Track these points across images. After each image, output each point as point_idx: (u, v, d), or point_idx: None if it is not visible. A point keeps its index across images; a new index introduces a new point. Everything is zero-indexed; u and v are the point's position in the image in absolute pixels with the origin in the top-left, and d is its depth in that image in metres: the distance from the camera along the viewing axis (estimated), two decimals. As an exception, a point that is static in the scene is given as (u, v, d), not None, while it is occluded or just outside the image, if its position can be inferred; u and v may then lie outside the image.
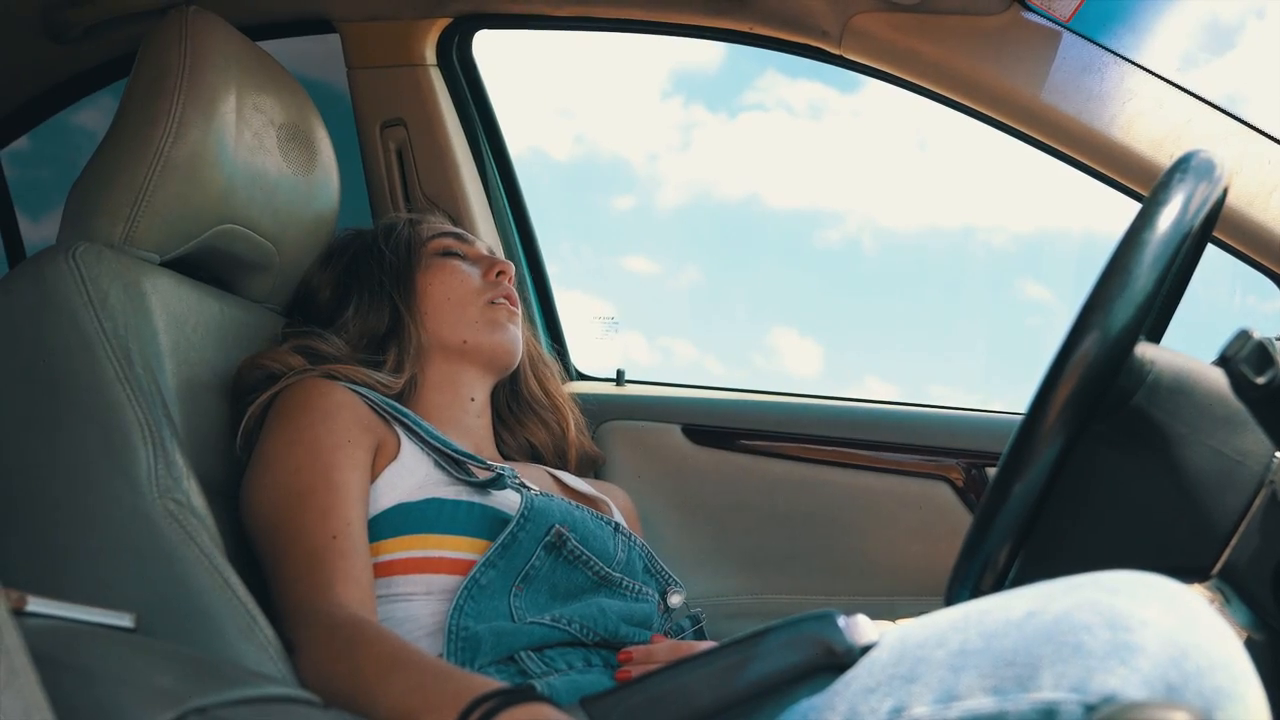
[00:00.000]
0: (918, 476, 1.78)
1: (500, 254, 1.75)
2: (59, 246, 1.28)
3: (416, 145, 1.90)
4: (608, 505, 1.58)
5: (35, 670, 0.64)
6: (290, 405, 1.37)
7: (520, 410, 1.70)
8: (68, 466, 1.17)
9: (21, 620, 0.78)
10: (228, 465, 1.39)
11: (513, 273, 1.62)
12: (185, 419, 1.34)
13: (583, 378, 2.06)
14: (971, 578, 0.94)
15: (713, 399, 1.94)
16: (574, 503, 1.44)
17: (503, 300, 1.58)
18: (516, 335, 1.59)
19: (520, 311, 1.62)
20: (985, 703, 0.80)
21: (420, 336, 1.54)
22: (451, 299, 1.56)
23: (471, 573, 1.28)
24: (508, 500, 1.37)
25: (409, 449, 1.40)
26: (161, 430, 1.19)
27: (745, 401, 1.93)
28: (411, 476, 1.37)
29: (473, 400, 1.57)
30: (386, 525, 1.33)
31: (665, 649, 1.32)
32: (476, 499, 1.36)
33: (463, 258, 1.62)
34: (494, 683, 1.06)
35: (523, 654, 1.25)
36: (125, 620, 0.91)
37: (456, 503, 1.35)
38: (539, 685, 1.19)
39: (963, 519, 1.73)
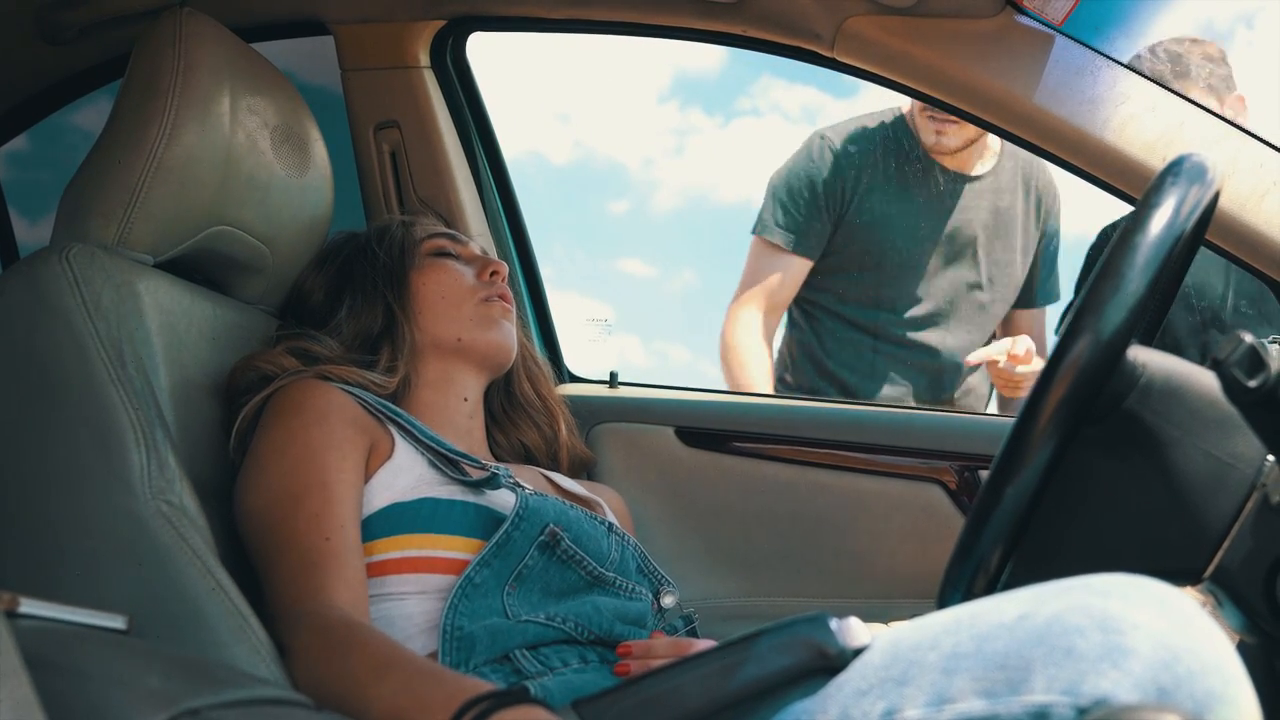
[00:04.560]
0: (911, 479, 1.78)
1: (494, 255, 1.75)
2: (52, 248, 1.28)
3: (410, 147, 1.90)
4: (601, 506, 1.58)
5: (27, 672, 0.64)
6: (283, 407, 1.37)
7: (513, 411, 1.70)
8: (60, 468, 1.17)
9: (13, 621, 0.78)
10: (221, 467, 1.39)
11: (506, 272, 1.62)
12: (178, 421, 1.34)
13: (576, 380, 2.06)
14: (964, 580, 0.94)
15: (706, 401, 1.94)
16: (568, 503, 1.44)
17: (497, 298, 1.58)
18: (511, 332, 1.60)
19: (514, 310, 1.62)
20: (977, 705, 0.80)
21: (414, 335, 1.54)
22: (446, 297, 1.56)
23: (466, 571, 1.28)
24: (502, 500, 1.37)
25: (403, 449, 1.40)
26: (154, 432, 1.19)
27: (738, 404, 1.93)
28: (405, 476, 1.37)
29: (466, 400, 1.57)
30: (381, 525, 1.33)
31: (665, 645, 1.32)
32: (471, 498, 1.36)
33: (456, 257, 1.62)
34: (486, 685, 1.06)
35: (518, 653, 1.25)
36: (118, 622, 0.91)
37: (451, 502, 1.35)
38: (533, 686, 1.19)
39: (955, 522, 1.74)
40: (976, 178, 2.48)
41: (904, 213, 2.47)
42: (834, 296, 2.51)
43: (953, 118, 2.33)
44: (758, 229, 2.52)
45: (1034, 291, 2.57)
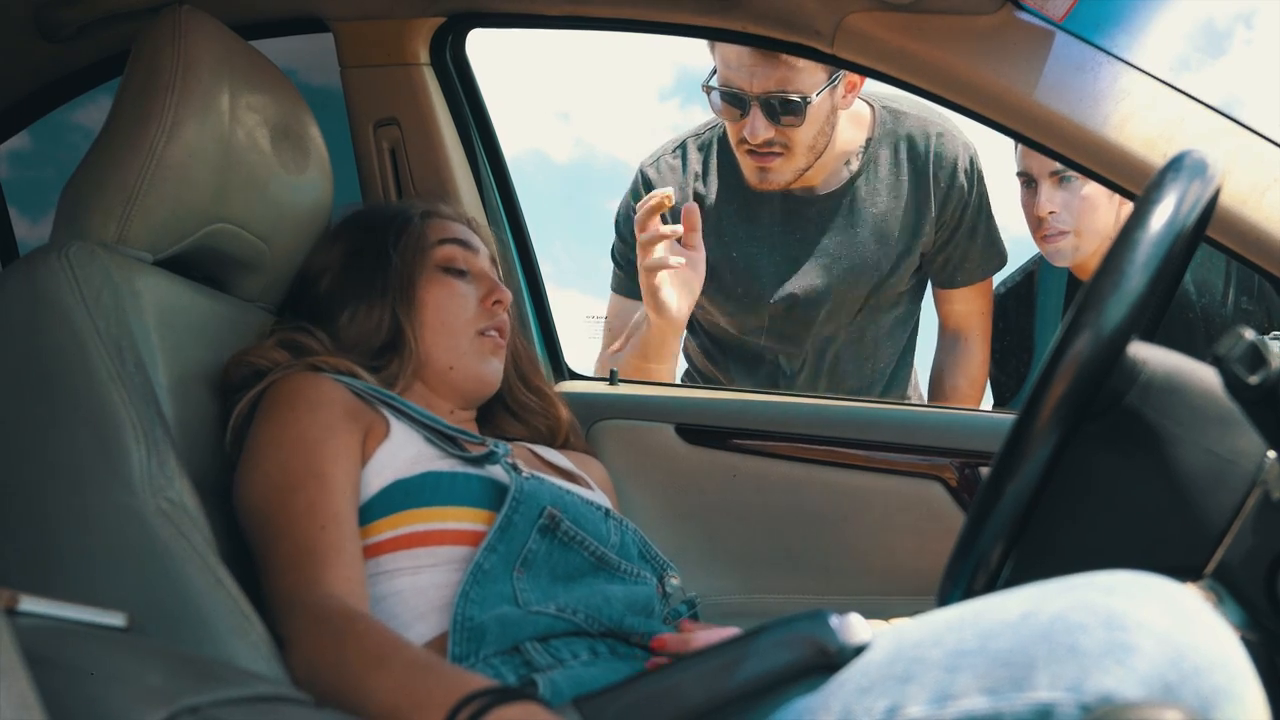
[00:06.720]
0: (911, 476, 1.78)
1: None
2: (51, 246, 1.28)
3: (410, 144, 1.90)
4: (585, 480, 1.60)
5: (27, 669, 0.64)
6: (276, 400, 1.38)
7: (498, 409, 1.69)
8: (60, 466, 1.16)
9: (13, 619, 0.78)
10: (220, 464, 1.39)
11: (509, 302, 1.61)
12: (178, 418, 1.34)
13: (576, 377, 2.06)
14: (965, 577, 0.94)
15: (706, 398, 1.94)
16: (563, 486, 1.44)
17: (493, 332, 1.58)
18: (498, 369, 1.60)
19: (507, 341, 1.62)
20: (980, 703, 0.80)
21: (418, 352, 1.54)
22: (446, 323, 1.55)
23: (475, 558, 1.28)
24: (501, 475, 1.38)
25: (399, 428, 1.40)
26: (154, 429, 1.19)
27: (739, 401, 1.93)
28: (405, 451, 1.37)
29: (451, 413, 1.57)
30: (384, 503, 1.33)
31: (702, 640, 1.31)
32: (473, 470, 1.37)
33: (464, 274, 1.61)
34: (484, 680, 1.06)
35: (527, 645, 1.25)
36: (117, 619, 0.90)
37: (454, 474, 1.36)
38: (541, 680, 1.19)
39: (956, 519, 1.74)
40: (824, 195, 2.28)
41: (744, 237, 2.29)
42: (705, 318, 2.39)
43: (777, 150, 2.14)
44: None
45: (959, 268, 2.36)
